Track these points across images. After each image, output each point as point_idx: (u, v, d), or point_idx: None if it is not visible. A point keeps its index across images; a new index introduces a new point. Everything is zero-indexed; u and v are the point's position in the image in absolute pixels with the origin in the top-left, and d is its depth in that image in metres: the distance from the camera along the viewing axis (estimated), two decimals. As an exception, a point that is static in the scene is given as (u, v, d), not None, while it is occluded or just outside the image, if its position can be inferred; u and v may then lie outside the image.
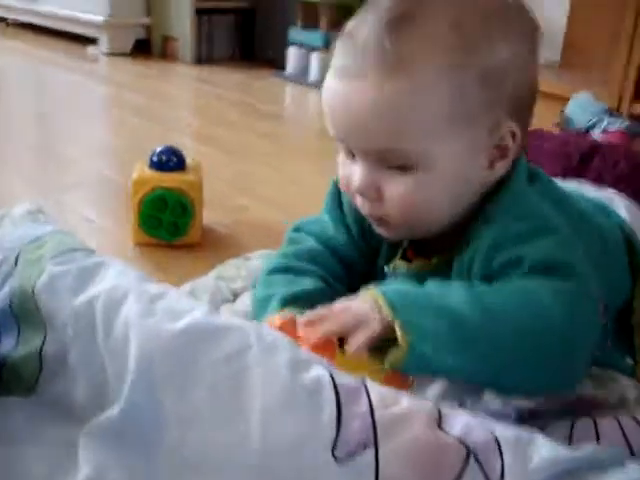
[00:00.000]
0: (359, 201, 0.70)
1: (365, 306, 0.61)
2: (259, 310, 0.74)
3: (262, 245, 1.07)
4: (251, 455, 0.51)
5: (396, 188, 0.65)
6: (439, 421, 0.52)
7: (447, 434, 0.51)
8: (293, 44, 2.63)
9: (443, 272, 0.68)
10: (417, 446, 0.50)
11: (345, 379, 0.53)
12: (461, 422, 0.52)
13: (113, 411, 0.54)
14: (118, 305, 0.58)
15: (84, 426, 0.56)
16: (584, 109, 1.63)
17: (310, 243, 0.80)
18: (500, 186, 0.68)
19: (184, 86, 2.57)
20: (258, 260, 0.94)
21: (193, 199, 1.04)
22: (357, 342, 0.61)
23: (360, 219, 0.76)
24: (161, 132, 1.76)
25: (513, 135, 0.66)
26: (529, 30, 0.66)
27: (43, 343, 0.61)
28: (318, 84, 2.49)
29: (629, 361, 0.74)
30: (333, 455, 0.50)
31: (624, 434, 0.60)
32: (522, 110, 0.67)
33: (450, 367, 0.59)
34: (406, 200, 0.66)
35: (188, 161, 1.09)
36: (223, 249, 1.07)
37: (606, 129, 1.51)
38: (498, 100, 0.63)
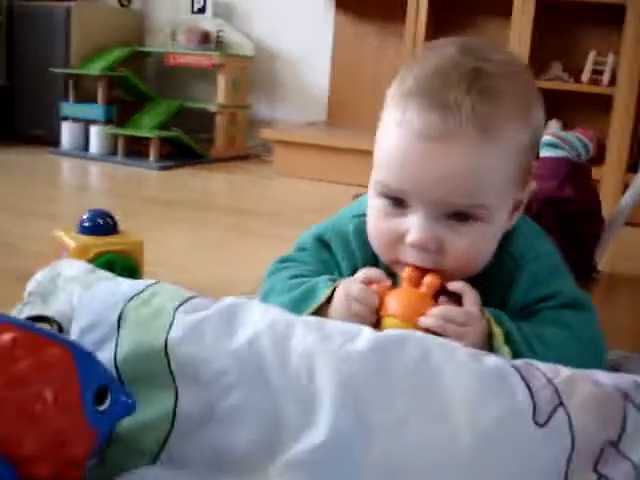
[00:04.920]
0: (410, 252, 0.71)
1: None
2: (304, 302, 0.76)
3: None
4: (464, 440, 0.56)
5: (459, 240, 0.70)
6: (593, 377, 0.60)
7: (605, 385, 0.60)
8: (66, 119, 2.54)
9: None
10: (592, 397, 0.59)
11: (515, 361, 0.60)
12: (605, 375, 0.61)
13: (310, 443, 0.55)
14: (286, 340, 0.58)
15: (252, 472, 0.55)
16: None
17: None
18: (507, 234, 0.77)
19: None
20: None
21: (138, 260, 1.01)
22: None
23: (353, 264, 0.81)
24: None
25: (529, 193, 0.77)
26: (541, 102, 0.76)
27: (176, 402, 0.58)
28: (99, 157, 2.44)
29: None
30: (535, 422, 0.56)
31: None
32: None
33: None
34: (469, 250, 0.71)
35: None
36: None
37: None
38: (531, 162, 0.75)
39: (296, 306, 0.76)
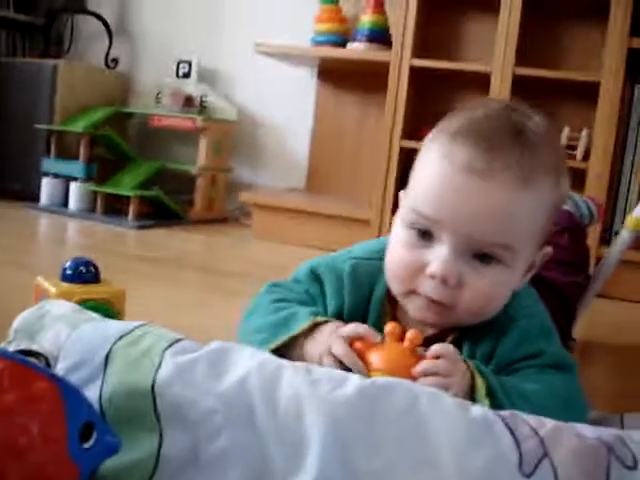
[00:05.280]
0: (428, 284, 0.73)
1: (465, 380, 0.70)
2: (281, 328, 0.76)
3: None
4: (450, 489, 0.55)
5: (479, 280, 0.72)
6: (576, 430, 0.61)
7: (588, 437, 0.60)
8: (47, 175, 2.54)
9: None
10: (576, 450, 0.59)
11: (500, 411, 0.61)
12: (588, 429, 0.62)
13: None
14: (275, 381, 0.58)
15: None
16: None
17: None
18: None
19: None
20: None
21: (120, 310, 1.00)
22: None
23: (340, 304, 0.82)
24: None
25: (543, 257, 0.79)
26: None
27: (160, 444, 0.58)
28: (78, 213, 2.44)
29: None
30: (521, 472, 0.56)
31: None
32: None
33: None
34: (486, 292, 0.73)
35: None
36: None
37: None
38: (550, 225, 0.77)
39: (274, 330, 0.77)
